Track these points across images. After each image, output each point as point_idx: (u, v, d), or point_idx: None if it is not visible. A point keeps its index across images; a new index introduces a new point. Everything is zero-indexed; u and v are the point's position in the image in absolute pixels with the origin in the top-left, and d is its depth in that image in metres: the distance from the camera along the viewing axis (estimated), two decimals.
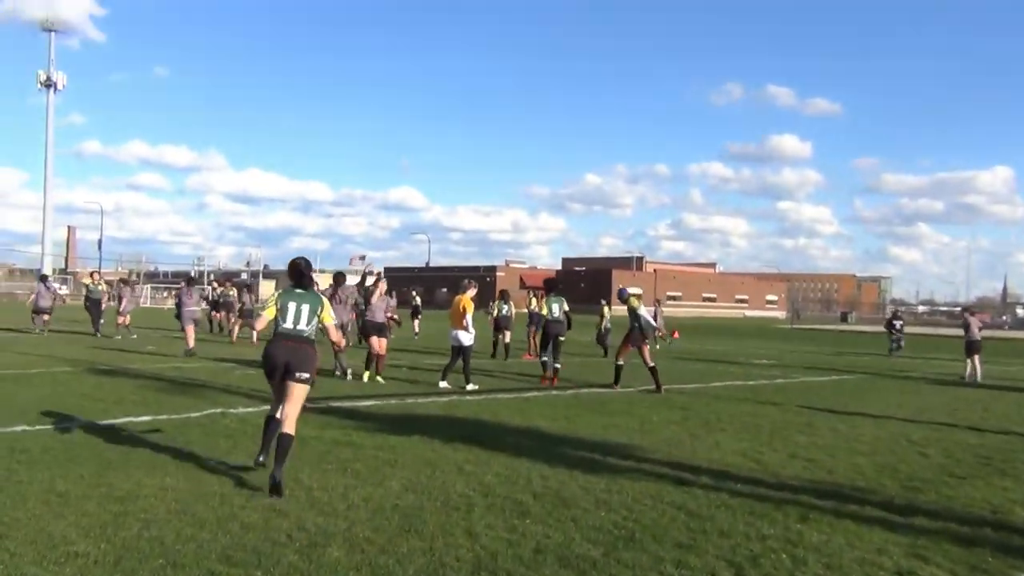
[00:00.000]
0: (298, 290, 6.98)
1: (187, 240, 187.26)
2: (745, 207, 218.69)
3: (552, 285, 15.47)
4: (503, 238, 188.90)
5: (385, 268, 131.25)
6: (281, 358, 6.72)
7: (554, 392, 13.39)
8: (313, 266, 7.27)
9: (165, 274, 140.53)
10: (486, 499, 6.25)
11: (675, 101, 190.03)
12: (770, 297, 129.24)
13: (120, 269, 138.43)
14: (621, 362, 14.61)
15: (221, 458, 7.31)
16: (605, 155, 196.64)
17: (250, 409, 10.22)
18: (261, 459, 6.76)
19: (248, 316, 23.25)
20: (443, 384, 13.44)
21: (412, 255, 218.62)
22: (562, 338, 15.14)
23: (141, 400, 10.70)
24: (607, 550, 5.16)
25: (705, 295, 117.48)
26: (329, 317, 7.03)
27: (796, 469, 7.84)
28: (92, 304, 25.66)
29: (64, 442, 7.83)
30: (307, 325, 6.84)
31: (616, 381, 14.41)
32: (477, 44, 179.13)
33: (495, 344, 21.51)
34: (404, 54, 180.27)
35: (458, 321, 13.78)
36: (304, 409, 7.02)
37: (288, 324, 6.81)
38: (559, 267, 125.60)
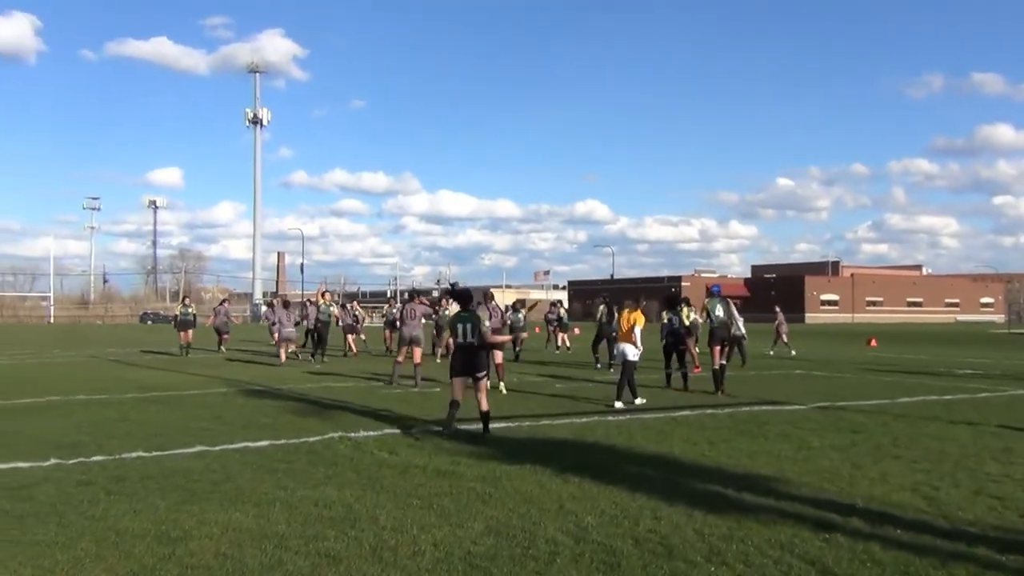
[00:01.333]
0: (463, 312, 9.92)
1: (385, 261, 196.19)
2: (955, 204, 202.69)
3: (674, 301, 14.16)
4: (691, 248, 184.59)
5: (570, 281, 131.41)
6: (460, 365, 9.82)
7: (709, 411, 12.17)
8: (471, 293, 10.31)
9: (364, 294, 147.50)
10: (576, 546, 5.34)
11: (869, 96, 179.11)
12: (985, 300, 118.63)
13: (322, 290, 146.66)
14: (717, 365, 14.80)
15: (310, 489, 6.81)
16: (797, 157, 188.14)
17: (371, 433, 9.77)
18: (446, 430, 9.65)
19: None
20: (619, 404, 12.60)
21: (600, 268, 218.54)
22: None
23: (270, 424, 10.52)
24: None
25: (910, 299, 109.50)
26: (485, 327, 9.94)
27: (979, 511, 6.38)
28: (322, 326, 23.62)
29: (165, 470, 7.61)
30: (473, 336, 9.73)
31: (717, 387, 14.60)
32: (655, 51, 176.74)
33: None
34: (584, 67, 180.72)
35: (627, 335, 13.11)
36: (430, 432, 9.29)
37: (459, 338, 9.80)
38: (749, 275, 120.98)
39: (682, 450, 8.87)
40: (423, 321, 16.33)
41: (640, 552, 5.23)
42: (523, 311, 24.52)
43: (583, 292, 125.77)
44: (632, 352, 12.95)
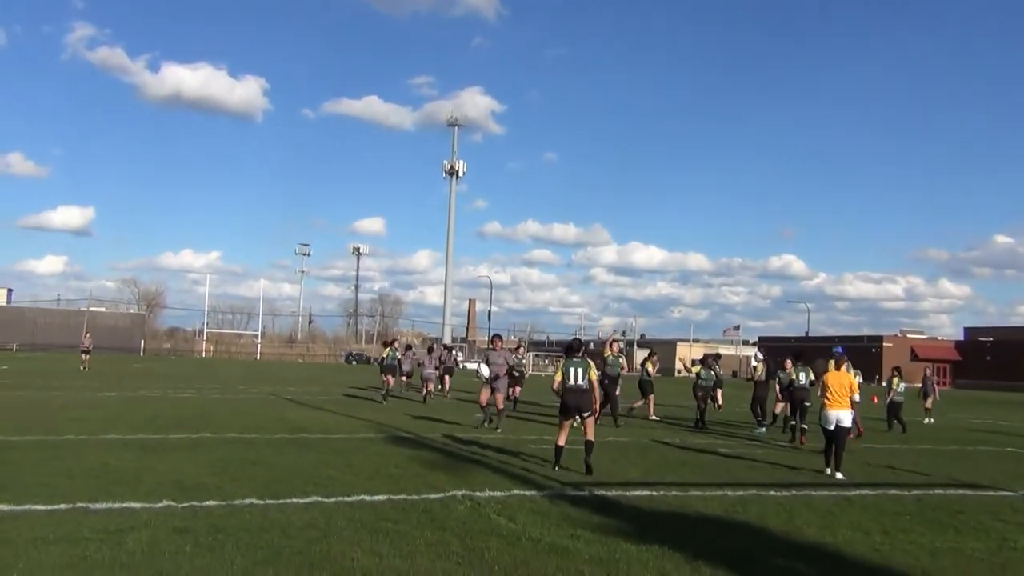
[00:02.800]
0: (575, 358, 11.02)
1: (574, 311, 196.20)
2: None
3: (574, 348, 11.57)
4: (895, 306, 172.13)
5: (760, 337, 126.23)
6: (573, 403, 10.84)
7: (892, 491, 10.52)
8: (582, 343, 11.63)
9: (551, 343, 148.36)
10: None
11: None
12: None
13: (512, 338, 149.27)
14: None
15: (402, 559, 6.13)
16: (1016, 213, 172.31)
17: (497, 493, 9.00)
18: (556, 469, 10.78)
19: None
20: (839, 475, 11.81)
21: (794, 324, 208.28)
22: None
23: (397, 476, 9.99)
24: None
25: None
26: (595, 374, 11.03)
27: None
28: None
29: (266, 522, 7.17)
30: (583, 380, 10.84)
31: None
32: (854, 102, 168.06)
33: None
34: (778, 119, 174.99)
35: (845, 401, 12.23)
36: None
37: (571, 381, 10.84)
38: (961, 337, 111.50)
39: (848, 539, 7.50)
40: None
41: None
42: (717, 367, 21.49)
43: (775, 349, 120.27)
44: (848, 418, 12.29)
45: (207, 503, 7.89)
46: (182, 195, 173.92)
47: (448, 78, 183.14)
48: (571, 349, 11.33)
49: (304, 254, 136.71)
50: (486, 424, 16.51)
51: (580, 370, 10.87)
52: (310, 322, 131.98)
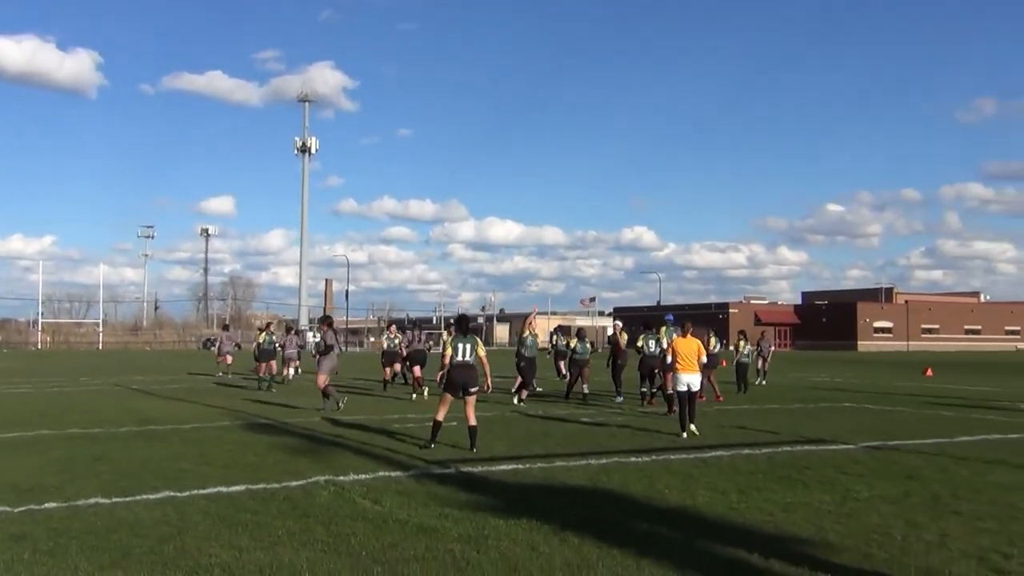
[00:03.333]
0: (463, 334, 10.99)
1: (433, 288, 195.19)
2: (1012, 229, 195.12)
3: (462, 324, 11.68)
4: (740, 274, 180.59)
5: (615, 308, 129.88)
6: (459, 379, 10.79)
7: (745, 451, 10.97)
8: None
9: (409, 320, 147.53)
10: None
11: (918, 121, 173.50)
12: None
13: (370, 317, 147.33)
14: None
15: (263, 551, 5.87)
16: (845, 183, 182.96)
17: (361, 476, 8.81)
18: (432, 446, 10.77)
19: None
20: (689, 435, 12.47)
21: (647, 295, 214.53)
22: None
23: (255, 464, 9.62)
24: None
25: (967, 327, 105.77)
26: (482, 351, 11.02)
27: None
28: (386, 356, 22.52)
29: (113, 522, 6.72)
30: (471, 356, 10.86)
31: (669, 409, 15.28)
32: (699, 73, 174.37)
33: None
34: (629, 90, 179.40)
35: (694, 365, 13.02)
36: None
37: (459, 357, 10.80)
38: (799, 301, 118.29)
39: (707, 500, 7.75)
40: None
41: None
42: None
43: (629, 319, 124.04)
44: (697, 382, 13.10)
45: (46, 505, 7.34)
46: (9, 177, 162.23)
47: (296, 52, 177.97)
48: (460, 325, 11.30)
49: (148, 236, 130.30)
50: (339, 405, 15.95)
51: (468, 346, 10.87)
52: (156, 308, 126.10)
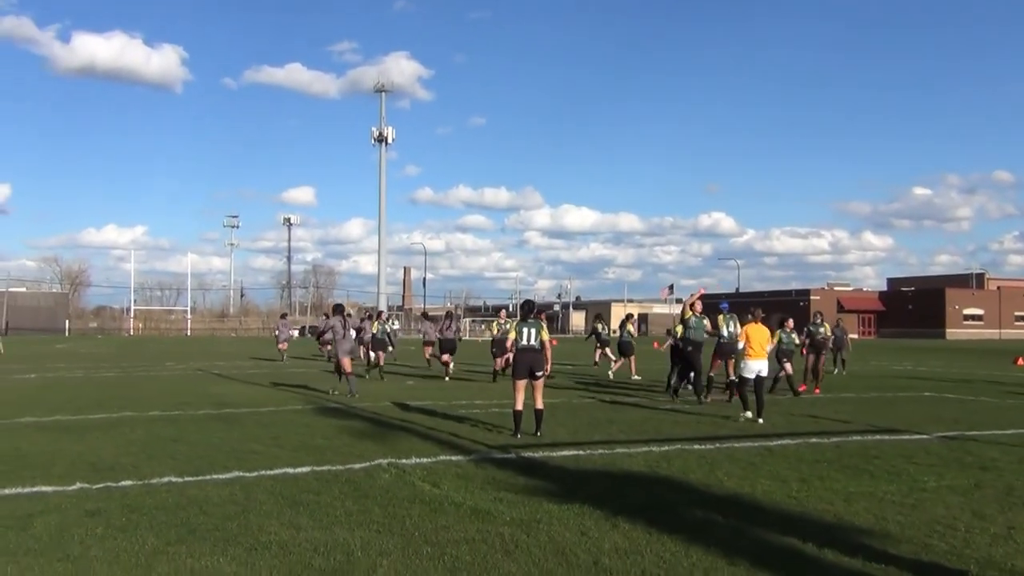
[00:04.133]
0: (529, 319, 11.09)
1: (509, 275, 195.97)
2: None
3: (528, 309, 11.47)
4: (822, 260, 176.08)
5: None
6: (525, 363, 10.86)
7: (813, 439, 10.78)
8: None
9: (486, 307, 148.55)
10: None
11: (1005, 98, 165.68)
12: None
13: (448, 304, 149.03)
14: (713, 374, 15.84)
15: (321, 530, 6.05)
16: (932, 165, 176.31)
17: (423, 460, 8.97)
18: (519, 436, 10.66)
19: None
20: (754, 417, 12.69)
21: (726, 281, 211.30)
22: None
23: (323, 447, 9.87)
24: None
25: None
26: (546, 335, 11.08)
27: None
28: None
29: (184, 500, 7.01)
30: (535, 340, 10.90)
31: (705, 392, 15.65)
32: (778, 57, 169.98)
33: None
34: (704, 76, 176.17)
35: (764, 352, 13.13)
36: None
37: (523, 341, 10.89)
38: (884, 288, 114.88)
39: (766, 489, 7.66)
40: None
41: None
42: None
43: (707, 307, 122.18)
44: (766, 368, 13.08)
45: (123, 483, 7.69)
46: (102, 169, 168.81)
47: (372, 43, 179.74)
48: (525, 310, 11.36)
49: (233, 226, 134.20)
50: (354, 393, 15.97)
51: (533, 331, 10.92)
52: (241, 296, 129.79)
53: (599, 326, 25.49)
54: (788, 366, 17.23)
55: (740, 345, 13.46)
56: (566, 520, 6.36)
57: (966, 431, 11.71)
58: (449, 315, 23.95)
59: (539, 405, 10.89)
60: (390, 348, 24.42)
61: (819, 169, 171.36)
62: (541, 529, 6.11)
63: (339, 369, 16.46)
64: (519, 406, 10.82)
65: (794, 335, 18.03)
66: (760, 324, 13.21)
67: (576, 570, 5.16)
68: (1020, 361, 29.94)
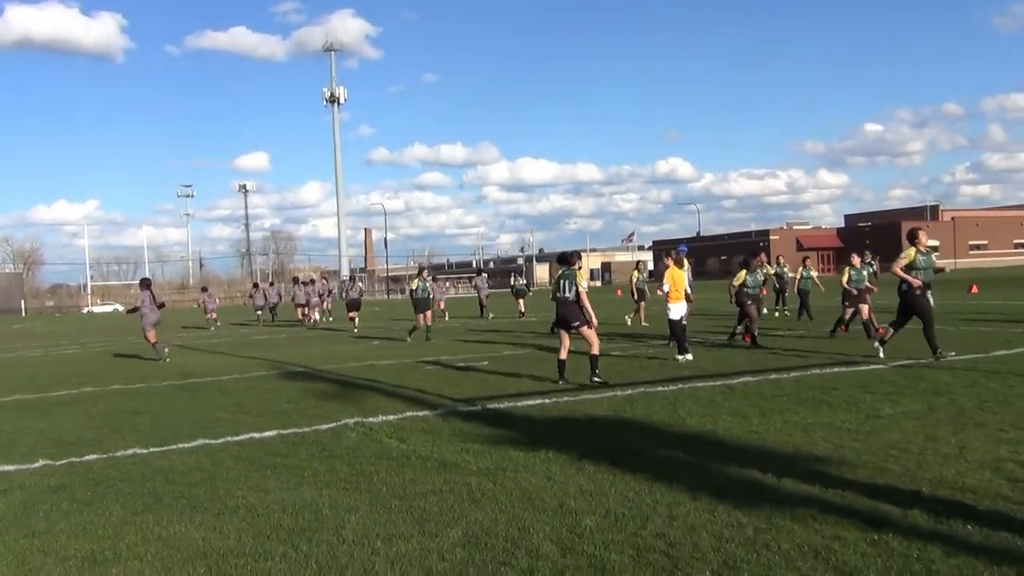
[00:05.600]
0: (565, 270, 11.04)
1: (471, 231, 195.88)
2: None
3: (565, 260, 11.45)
4: (780, 201, 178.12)
5: (654, 241, 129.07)
6: (561, 315, 10.97)
7: (772, 376, 10.98)
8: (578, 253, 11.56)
9: (451, 265, 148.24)
10: (562, 559, 4.43)
11: (954, 32, 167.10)
12: None
13: (411, 264, 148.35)
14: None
15: (288, 491, 6.07)
16: (882, 100, 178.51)
17: (389, 417, 9.00)
18: (560, 383, 10.87)
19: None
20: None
21: (686, 227, 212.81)
22: None
23: (288, 411, 9.87)
24: None
25: (1017, 241, 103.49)
26: (582, 286, 10.93)
27: None
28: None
29: (149, 470, 6.98)
30: (570, 292, 10.86)
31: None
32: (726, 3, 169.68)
33: None
34: (655, 22, 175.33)
35: (682, 295, 13.74)
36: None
37: (560, 293, 10.95)
38: (842, 224, 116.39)
39: (728, 426, 7.80)
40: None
41: (636, 567, 4.28)
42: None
43: (668, 252, 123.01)
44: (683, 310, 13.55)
45: (87, 458, 7.65)
46: (48, 144, 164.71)
47: (315, 2, 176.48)
48: (561, 261, 11.32)
49: (188, 196, 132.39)
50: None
51: (567, 282, 10.90)
52: (201, 266, 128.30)
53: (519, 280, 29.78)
54: (753, 309, 17.33)
55: (665, 288, 13.62)
56: (532, 467, 6.45)
57: (921, 359, 11.98)
58: (352, 278, 29.24)
59: (593, 351, 11.00)
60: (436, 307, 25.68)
61: (774, 110, 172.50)
62: (508, 477, 6.18)
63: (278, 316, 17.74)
64: (562, 355, 11.14)
65: (767, 269, 18.03)
66: (677, 267, 13.64)
67: (542, 514, 5.24)
68: (975, 289, 30.62)
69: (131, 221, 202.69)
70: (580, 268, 11.28)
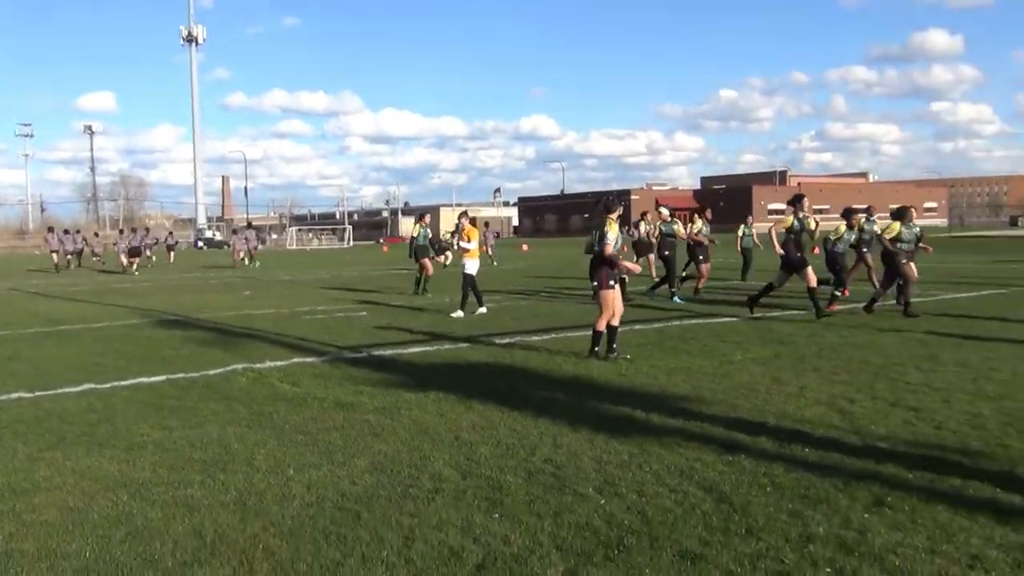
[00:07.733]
0: (596, 222, 9.59)
1: (333, 183, 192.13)
2: (894, 111, 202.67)
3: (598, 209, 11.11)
4: (639, 161, 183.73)
5: (520, 198, 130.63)
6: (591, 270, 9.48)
7: (637, 327, 11.83)
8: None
9: (313, 216, 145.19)
10: (462, 481, 4.96)
11: (802, 7, 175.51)
12: (929, 204, 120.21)
13: (271, 214, 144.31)
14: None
15: (192, 428, 6.33)
16: (737, 69, 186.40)
17: (277, 363, 9.28)
18: (612, 356, 9.23)
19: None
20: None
21: (550, 184, 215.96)
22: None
23: (171, 357, 9.96)
24: (575, 565, 3.78)
25: (856, 206, 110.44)
26: (613, 235, 9.25)
27: (893, 424, 6.13)
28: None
29: (41, 413, 7.05)
30: (597, 247, 9.30)
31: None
32: None
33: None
34: None
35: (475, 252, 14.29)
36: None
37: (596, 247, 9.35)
38: (698, 186, 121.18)
39: (600, 370, 8.53)
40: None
41: (529, 486, 4.87)
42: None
43: (533, 209, 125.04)
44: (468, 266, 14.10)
45: None
46: None
47: None
48: (602, 208, 9.69)
49: (26, 135, 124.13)
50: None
51: (596, 234, 9.40)
52: (42, 210, 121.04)
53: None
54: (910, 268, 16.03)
55: (471, 245, 14.13)
56: (424, 406, 6.95)
57: (768, 313, 13.13)
58: (147, 229, 40.13)
59: (599, 325, 9.44)
60: (436, 255, 21.83)
61: (633, 71, 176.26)
62: (403, 414, 6.66)
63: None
64: (612, 322, 9.46)
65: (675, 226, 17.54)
66: (473, 224, 14.69)
67: (440, 444, 5.76)
68: (816, 250, 32.69)
69: None
70: (616, 217, 9.55)
